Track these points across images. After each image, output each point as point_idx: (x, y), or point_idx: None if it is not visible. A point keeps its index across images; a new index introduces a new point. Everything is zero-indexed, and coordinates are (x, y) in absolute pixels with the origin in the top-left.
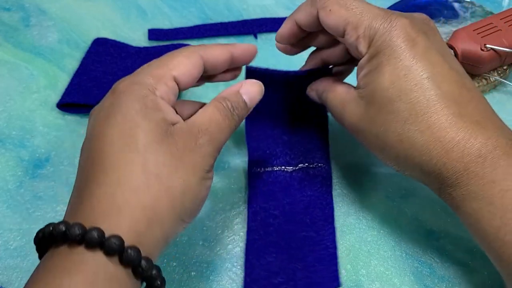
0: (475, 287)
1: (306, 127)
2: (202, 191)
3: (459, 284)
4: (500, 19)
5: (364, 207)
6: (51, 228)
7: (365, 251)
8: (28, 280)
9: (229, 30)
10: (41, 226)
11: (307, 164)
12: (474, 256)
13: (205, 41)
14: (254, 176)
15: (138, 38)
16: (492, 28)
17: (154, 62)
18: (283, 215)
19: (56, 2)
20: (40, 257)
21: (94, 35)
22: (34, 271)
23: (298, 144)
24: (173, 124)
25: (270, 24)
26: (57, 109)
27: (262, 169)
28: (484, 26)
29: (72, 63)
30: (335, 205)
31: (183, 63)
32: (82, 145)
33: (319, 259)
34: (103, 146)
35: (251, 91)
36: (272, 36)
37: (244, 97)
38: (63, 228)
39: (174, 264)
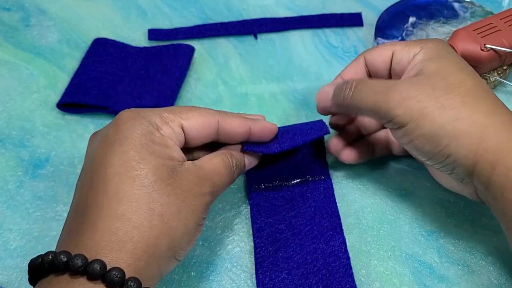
0: (475, 287)
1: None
2: (196, 234)
3: (459, 284)
4: (500, 19)
5: (364, 207)
6: (50, 257)
7: (365, 251)
8: None
9: (229, 30)
10: (41, 226)
11: (306, 178)
12: (474, 256)
13: (205, 41)
14: (255, 193)
15: (138, 38)
16: (492, 28)
17: (168, 107)
18: (289, 229)
19: (56, 2)
20: (32, 281)
21: (94, 35)
22: None
23: (296, 160)
24: (179, 162)
25: (270, 24)
26: (57, 109)
27: (262, 185)
28: (484, 26)
29: (72, 63)
30: None
31: (195, 117)
32: (83, 168)
33: (333, 272)
34: (108, 174)
35: (252, 156)
36: (272, 36)
37: (246, 159)
38: (65, 259)
39: None
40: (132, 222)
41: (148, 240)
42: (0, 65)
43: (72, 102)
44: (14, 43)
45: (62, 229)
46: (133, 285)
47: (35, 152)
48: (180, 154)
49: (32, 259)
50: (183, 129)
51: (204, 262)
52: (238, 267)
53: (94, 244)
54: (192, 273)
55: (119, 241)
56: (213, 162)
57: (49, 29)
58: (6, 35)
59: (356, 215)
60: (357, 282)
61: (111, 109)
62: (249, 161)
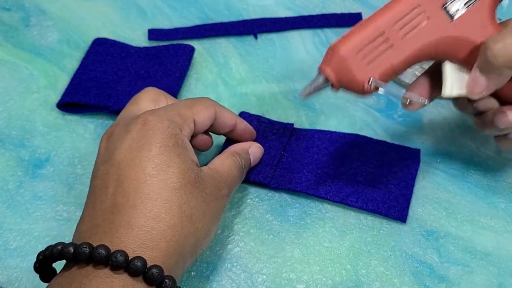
0: (475, 287)
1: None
2: (213, 235)
3: (459, 284)
4: (390, 25)
5: None
6: (86, 249)
7: (365, 251)
8: None
9: (229, 30)
10: (41, 226)
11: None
12: (474, 256)
13: (205, 41)
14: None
15: (138, 38)
16: (382, 43)
17: (180, 103)
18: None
19: (56, 2)
20: (45, 271)
21: (94, 35)
22: (62, 285)
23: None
24: (197, 165)
25: (270, 24)
26: (57, 109)
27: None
28: (372, 39)
29: (72, 63)
30: (335, 206)
31: (202, 111)
32: (99, 167)
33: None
34: (140, 177)
35: (256, 153)
36: (272, 36)
37: (251, 157)
38: (104, 253)
39: None
40: (166, 222)
41: (179, 239)
42: (0, 65)
43: (72, 102)
44: (14, 43)
45: (82, 220)
46: (170, 284)
47: (35, 152)
48: (195, 157)
49: (55, 246)
50: (194, 124)
51: (204, 262)
52: (238, 267)
53: (130, 242)
54: (192, 273)
55: (154, 239)
56: (226, 164)
57: (49, 29)
58: (6, 35)
59: (356, 215)
60: (357, 282)
61: (111, 109)
62: (254, 158)
